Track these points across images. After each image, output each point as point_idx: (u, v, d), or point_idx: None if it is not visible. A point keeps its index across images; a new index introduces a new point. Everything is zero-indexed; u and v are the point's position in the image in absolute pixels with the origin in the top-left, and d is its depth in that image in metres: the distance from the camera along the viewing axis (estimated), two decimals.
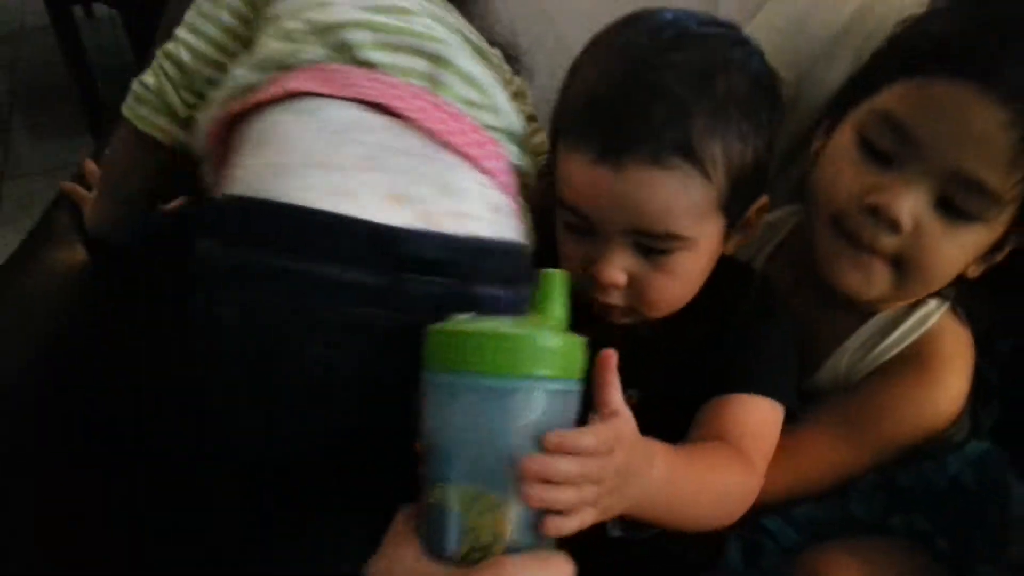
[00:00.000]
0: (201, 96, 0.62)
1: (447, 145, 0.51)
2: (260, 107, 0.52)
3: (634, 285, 0.54)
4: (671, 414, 0.56)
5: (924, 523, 0.58)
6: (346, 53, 0.53)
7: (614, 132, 0.49)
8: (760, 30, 0.66)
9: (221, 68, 0.61)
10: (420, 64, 0.53)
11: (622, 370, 0.47)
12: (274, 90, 0.51)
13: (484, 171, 0.52)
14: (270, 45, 0.55)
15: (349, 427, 0.49)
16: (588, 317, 0.53)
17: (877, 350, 0.60)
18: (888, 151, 0.52)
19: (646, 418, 0.47)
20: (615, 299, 0.55)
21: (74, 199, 0.76)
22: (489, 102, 0.55)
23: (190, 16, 0.63)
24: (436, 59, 0.53)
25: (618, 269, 0.53)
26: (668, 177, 0.50)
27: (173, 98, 0.62)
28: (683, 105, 0.49)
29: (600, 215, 0.52)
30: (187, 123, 0.63)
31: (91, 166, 0.77)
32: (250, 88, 0.54)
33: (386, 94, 0.51)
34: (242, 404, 0.49)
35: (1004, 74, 0.48)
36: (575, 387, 0.45)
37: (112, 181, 0.69)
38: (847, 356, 0.62)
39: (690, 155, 0.49)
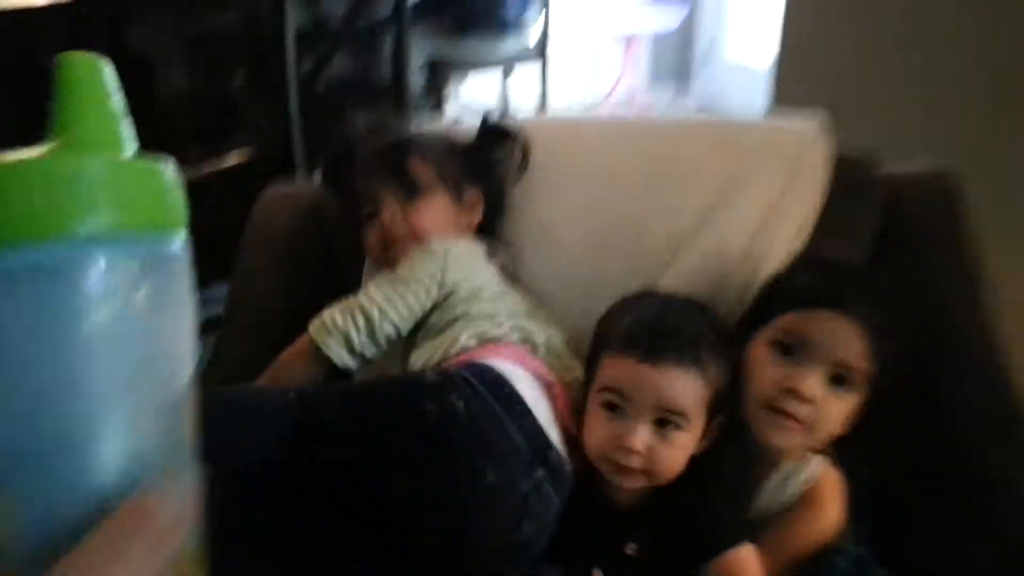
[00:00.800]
0: (381, 343, 0.82)
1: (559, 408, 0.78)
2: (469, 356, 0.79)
3: (649, 454, 0.79)
4: (665, 556, 0.80)
5: None
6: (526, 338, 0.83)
7: (654, 345, 0.76)
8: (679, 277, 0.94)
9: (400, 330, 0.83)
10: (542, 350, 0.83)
11: (625, 525, 0.70)
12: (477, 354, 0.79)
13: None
14: (475, 327, 0.82)
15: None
16: (598, 499, 0.78)
17: (786, 492, 0.84)
18: (794, 350, 0.79)
19: (643, 566, 0.71)
20: (635, 463, 0.77)
21: None
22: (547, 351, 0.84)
23: (389, 287, 0.83)
24: (548, 345, 0.83)
25: (643, 438, 0.78)
26: (685, 373, 0.76)
27: (354, 340, 0.81)
28: (693, 336, 0.76)
29: (638, 395, 0.77)
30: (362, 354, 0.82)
31: None
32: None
33: (542, 372, 0.79)
34: None
35: (850, 305, 0.76)
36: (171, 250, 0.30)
37: (281, 375, 0.84)
38: (768, 493, 0.86)
39: (698, 364, 0.76)
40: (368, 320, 0.81)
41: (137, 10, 1.50)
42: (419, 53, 2.23)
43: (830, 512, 0.80)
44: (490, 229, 0.96)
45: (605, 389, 0.76)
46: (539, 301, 0.92)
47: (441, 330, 0.84)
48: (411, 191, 0.90)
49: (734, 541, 0.75)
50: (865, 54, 1.57)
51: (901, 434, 0.84)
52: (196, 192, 0.32)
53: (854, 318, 0.76)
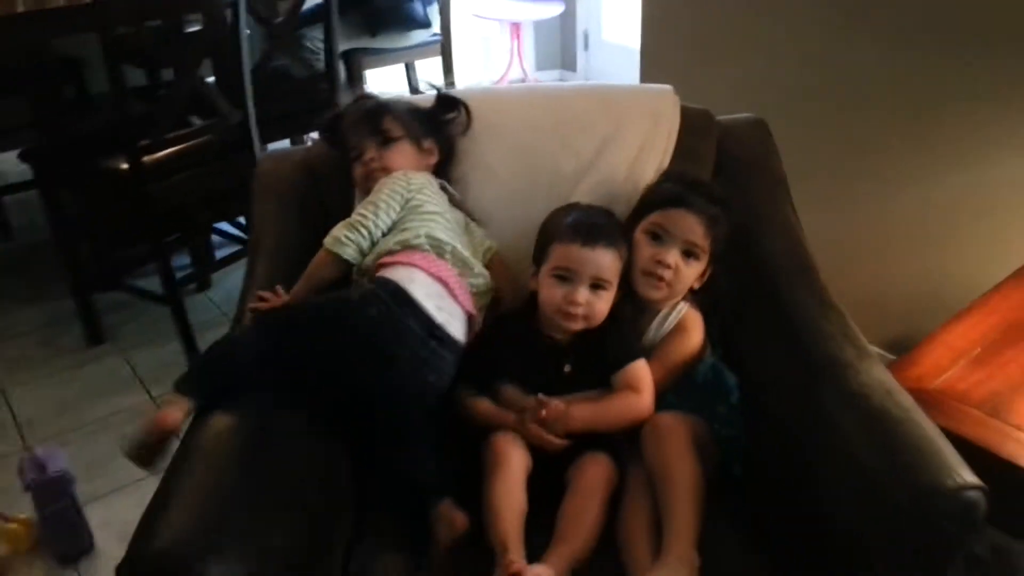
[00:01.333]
0: (375, 242, 1.17)
1: (453, 293, 1.12)
2: (407, 257, 1.13)
3: (589, 306, 1.13)
4: (590, 374, 1.16)
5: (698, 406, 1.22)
6: (446, 252, 1.15)
7: (589, 234, 1.11)
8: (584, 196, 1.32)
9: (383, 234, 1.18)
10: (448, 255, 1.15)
11: (562, 354, 1.10)
12: (411, 256, 1.13)
13: (459, 301, 1.13)
14: (406, 235, 1.15)
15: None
16: (541, 339, 1.16)
17: (665, 326, 1.24)
18: (659, 236, 1.20)
19: (576, 377, 1.12)
20: (579, 312, 1.11)
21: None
22: (469, 269, 1.17)
23: (377, 199, 1.18)
24: (453, 252, 1.16)
25: (584, 296, 1.12)
26: (608, 252, 1.11)
27: (362, 244, 1.15)
28: (612, 229, 1.14)
29: (580, 268, 1.10)
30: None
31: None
32: (391, 252, 1.14)
33: (448, 275, 1.13)
34: None
35: (692, 204, 1.18)
36: None
37: (313, 281, 1.16)
38: (651, 331, 1.26)
39: (615, 246, 1.13)
40: (366, 228, 1.17)
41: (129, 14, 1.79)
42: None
43: (694, 336, 1.21)
44: (443, 171, 1.32)
45: (557, 267, 1.14)
46: (477, 222, 1.28)
47: (385, 235, 1.19)
48: (385, 141, 1.26)
49: (632, 358, 1.16)
50: (705, 35, 2.00)
51: (735, 281, 1.25)
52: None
53: (696, 212, 1.17)
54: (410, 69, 3.13)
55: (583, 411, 1.10)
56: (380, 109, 1.29)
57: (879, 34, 1.62)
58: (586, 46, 3.89)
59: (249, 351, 1.08)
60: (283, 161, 1.40)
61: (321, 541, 1.01)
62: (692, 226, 1.16)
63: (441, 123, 1.32)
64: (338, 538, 1.05)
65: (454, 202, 1.28)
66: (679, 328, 1.21)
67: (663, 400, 1.16)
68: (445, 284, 1.13)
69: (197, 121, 2.09)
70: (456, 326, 1.12)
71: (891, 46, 1.61)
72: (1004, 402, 1.07)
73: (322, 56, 2.41)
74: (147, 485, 0.83)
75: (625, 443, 1.13)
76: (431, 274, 1.12)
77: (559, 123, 1.33)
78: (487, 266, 1.23)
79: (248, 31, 2.04)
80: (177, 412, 1.02)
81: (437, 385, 1.10)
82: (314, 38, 2.47)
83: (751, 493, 1.10)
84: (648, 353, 1.19)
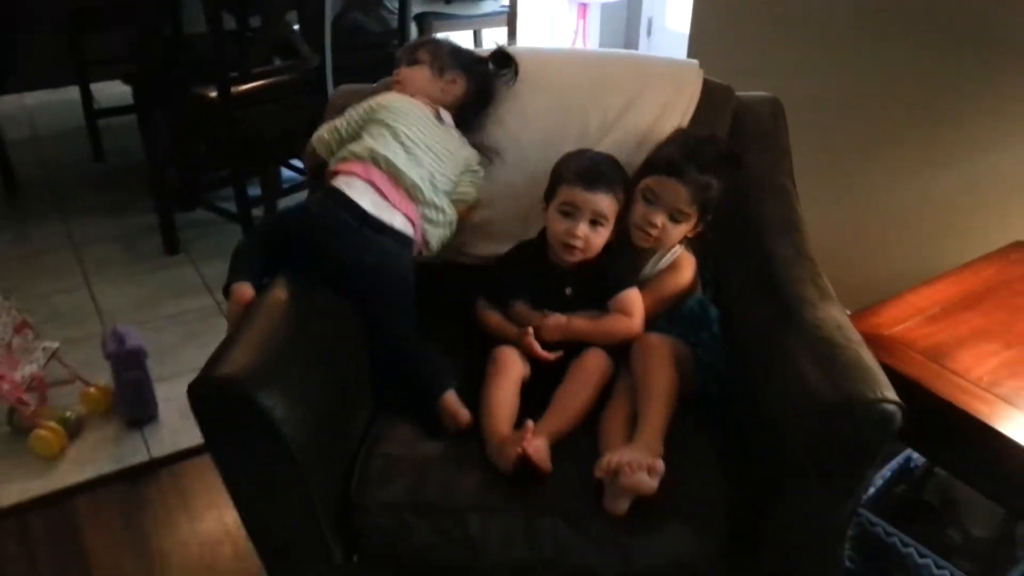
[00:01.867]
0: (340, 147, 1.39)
1: (384, 195, 1.32)
2: (349, 167, 1.33)
3: (587, 239, 1.33)
4: (589, 297, 1.36)
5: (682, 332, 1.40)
6: (380, 162, 1.34)
7: (592, 180, 1.30)
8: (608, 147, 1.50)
9: (346, 142, 1.39)
10: (400, 174, 1.34)
11: (565, 279, 1.29)
12: (352, 166, 1.33)
13: (391, 202, 1.33)
14: (357, 147, 1.35)
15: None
16: (549, 265, 1.34)
17: (660, 264, 1.42)
18: (650, 199, 1.37)
19: (576, 299, 1.30)
20: (579, 244, 1.29)
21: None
22: (422, 197, 1.35)
23: (348, 114, 1.41)
24: (387, 163, 1.34)
25: (584, 230, 1.29)
26: (607, 196, 1.29)
27: (333, 146, 1.39)
28: (612, 175, 1.32)
29: (582, 207, 1.28)
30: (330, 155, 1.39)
31: None
32: (346, 159, 1.35)
33: (382, 183, 1.32)
34: None
35: (683, 173, 1.31)
36: None
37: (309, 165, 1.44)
38: (648, 267, 1.44)
39: (614, 191, 1.31)
40: (336, 130, 1.42)
41: None
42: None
43: (686, 273, 1.39)
44: (478, 111, 1.49)
45: (562, 203, 1.34)
46: (479, 167, 1.47)
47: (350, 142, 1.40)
48: (410, 62, 1.48)
49: (626, 286, 1.34)
50: (744, 24, 2.16)
51: (728, 237, 1.43)
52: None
53: (686, 183, 1.32)
54: (477, 36, 3.33)
55: (580, 324, 1.29)
56: (425, 41, 1.52)
57: (898, 37, 1.77)
58: (649, 32, 4.04)
59: (255, 249, 1.31)
60: (354, 94, 1.61)
61: (347, 402, 1.23)
62: (680, 194, 1.32)
63: (479, 68, 1.50)
64: (362, 404, 1.27)
65: (446, 134, 1.45)
66: (672, 266, 1.39)
67: (653, 325, 1.34)
68: (377, 188, 1.33)
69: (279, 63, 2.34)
70: (397, 220, 1.33)
71: (910, 47, 1.75)
72: (947, 352, 1.22)
73: (396, 15, 2.63)
74: None
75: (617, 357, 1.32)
76: (364, 179, 1.33)
77: (593, 82, 1.52)
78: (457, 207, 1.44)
79: None
80: (246, 289, 1.24)
81: (385, 265, 1.31)
82: None
83: (724, 410, 1.28)
84: (644, 285, 1.37)
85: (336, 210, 1.30)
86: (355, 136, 1.40)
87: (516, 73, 1.52)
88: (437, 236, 1.40)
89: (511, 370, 1.27)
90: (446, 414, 1.22)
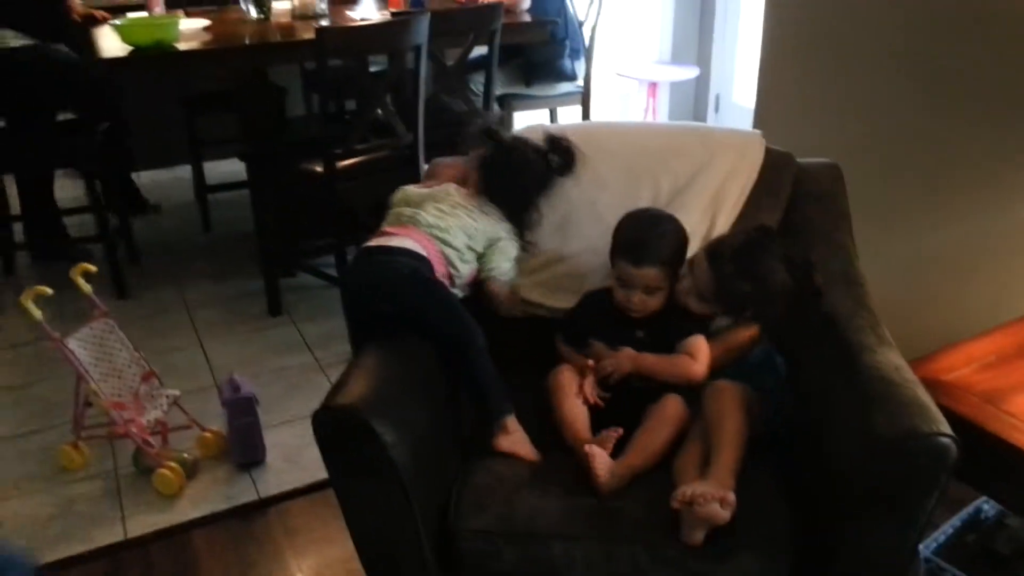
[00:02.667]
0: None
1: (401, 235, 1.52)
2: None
3: (642, 304, 1.44)
4: (660, 341, 1.46)
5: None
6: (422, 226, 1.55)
7: (638, 256, 1.43)
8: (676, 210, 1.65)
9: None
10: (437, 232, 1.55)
11: (639, 323, 1.44)
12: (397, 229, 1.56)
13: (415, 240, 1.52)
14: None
15: None
16: (620, 312, 1.47)
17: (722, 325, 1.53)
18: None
19: (648, 342, 1.44)
20: (636, 311, 1.43)
21: None
22: (455, 260, 1.55)
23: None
24: (445, 241, 1.55)
25: (639, 299, 1.42)
26: (652, 268, 1.41)
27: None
28: (657, 246, 1.43)
29: (633, 281, 1.41)
30: None
31: None
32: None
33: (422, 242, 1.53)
34: None
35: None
36: None
37: None
38: (718, 320, 1.54)
39: (660, 261, 1.42)
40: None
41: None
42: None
43: (751, 327, 1.50)
44: (516, 212, 1.64)
45: (618, 276, 1.46)
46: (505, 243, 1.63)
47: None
48: (453, 153, 1.69)
49: (693, 333, 1.46)
50: (807, 97, 2.30)
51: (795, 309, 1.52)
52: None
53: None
54: (553, 115, 3.56)
55: (649, 359, 1.42)
56: (474, 133, 1.71)
57: (951, 99, 1.88)
58: (716, 108, 4.21)
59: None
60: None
61: (445, 434, 1.37)
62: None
63: (496, 169, 1.65)
64: (458, 438, 1.41)
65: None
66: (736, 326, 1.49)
67: (723, 373, 1.45)
68: (426, 249, 1.53)
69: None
70: (407, 243, 1.52)
71: (961, 108, 1.86)
72: (1002, 396, 1.29)
73: (481, 97, 2.87)
74: (306, 422, 1.21)
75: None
76: (418, 240, 1.54)
77: (663, 149, 1.67)
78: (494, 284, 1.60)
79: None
80: None
81: (417, 270, 1.49)
82: (477, 81, 2.94)
83: (790, 450, 1.36)
84: (712, 336, 1.49)
85: (358, 260, 1.56)
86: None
87: (567, 168, 1.66)
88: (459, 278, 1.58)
89: (570, 386, 1.41)
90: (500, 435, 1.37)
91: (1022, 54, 1.69)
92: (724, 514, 1.16)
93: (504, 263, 1.62)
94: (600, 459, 1.26)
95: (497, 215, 1.63)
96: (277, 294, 2.79)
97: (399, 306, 1.46)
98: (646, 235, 1.45)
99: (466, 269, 1.59)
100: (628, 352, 1.42)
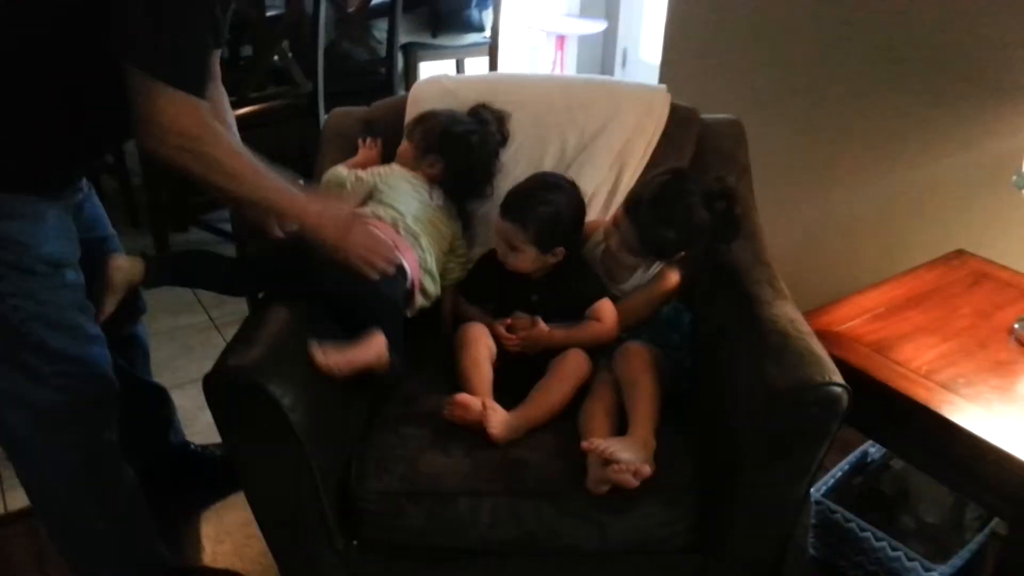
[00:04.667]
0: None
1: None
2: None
3: (506, 259, 1.41)
4: (553, 305, 1.46)
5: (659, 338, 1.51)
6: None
7: (507, 207, 1.39)
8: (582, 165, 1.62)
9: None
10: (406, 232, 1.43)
11: (532, 288, 1.42)
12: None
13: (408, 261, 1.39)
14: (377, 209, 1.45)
15: None
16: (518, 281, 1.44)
17: (648, 275, 1.52)
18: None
19: (541, 305, 1.42)
20: (504, 260, 1.41)
21: None
22: (424, 256, 1.44)
23: (359, 177, 1.49)
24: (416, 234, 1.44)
25: (502, 252, 1.41)
26: (513, 225, 1.38)
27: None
28: (527, 207, 1.39)
29: (498, 234, 1.40)
30: None
31: None
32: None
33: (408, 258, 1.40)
34: None
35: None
36: None
37: None
38: (636, 278, 1.52)
39: (522, 220, 1.37)
40: (349, 183, 1.51)
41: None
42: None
43: (670, 280, 1.46)
44: (463, 188, 1.56)
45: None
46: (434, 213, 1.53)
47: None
48: (407, 136, 1.57)
49: (599, 297, 1.46)
50: (713, 52, 2.31)
51: (706, 248, 1.52)
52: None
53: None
54: (460, 65, 3.48)
55: (559, 335, 1.41)
56: (423, 117, 1.59)
57: (850, 62, 1.92)
58: (624, 63, 4.21)
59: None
60: (347, 116, 1.73)
61: (345, 399, 1.33)
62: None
63: (461, 155, 1.54)
64: (358, 403, 1.37)
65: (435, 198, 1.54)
66: (658, 276, 1.50)
67: (633, 334, 1.45)
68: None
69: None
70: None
71: (861, 71, 1.91)
72: (890, 345, 1.35)
73: (384, 45, 2.76)
74: (197, 386, 1.16)
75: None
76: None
77: (570, 103, 1.65)
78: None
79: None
80: None
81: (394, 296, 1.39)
82: (380, 29, 2.83)
83: (692, 403, 1.39)
84: (633, 292, 1.49)
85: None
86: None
87: (505, 140, 1.60)
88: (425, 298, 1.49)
89: (481, 344, 1.38)
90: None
91: (922, 16, 1.73)
92: (634, 483, 1.16)
93: (459, 271, 1.56)
94: (494, 414, 1.25)
95: (450, 213, 1.56)
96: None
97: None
98: (527, 194, 1.43)
99: (434, 291, 1.49)
100: (541, 329, 1.39)
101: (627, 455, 1.16)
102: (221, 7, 1.22)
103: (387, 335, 1.29)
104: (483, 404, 1.26)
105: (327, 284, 1.33)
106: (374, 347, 1.26)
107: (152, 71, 1.06)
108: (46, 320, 1.21)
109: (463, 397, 1.27)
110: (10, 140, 1.14)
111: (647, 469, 1.17)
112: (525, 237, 1.40)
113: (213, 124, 1.13)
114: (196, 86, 1.11)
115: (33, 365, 1.21)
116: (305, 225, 1.28)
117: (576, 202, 1.45)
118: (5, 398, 1.24)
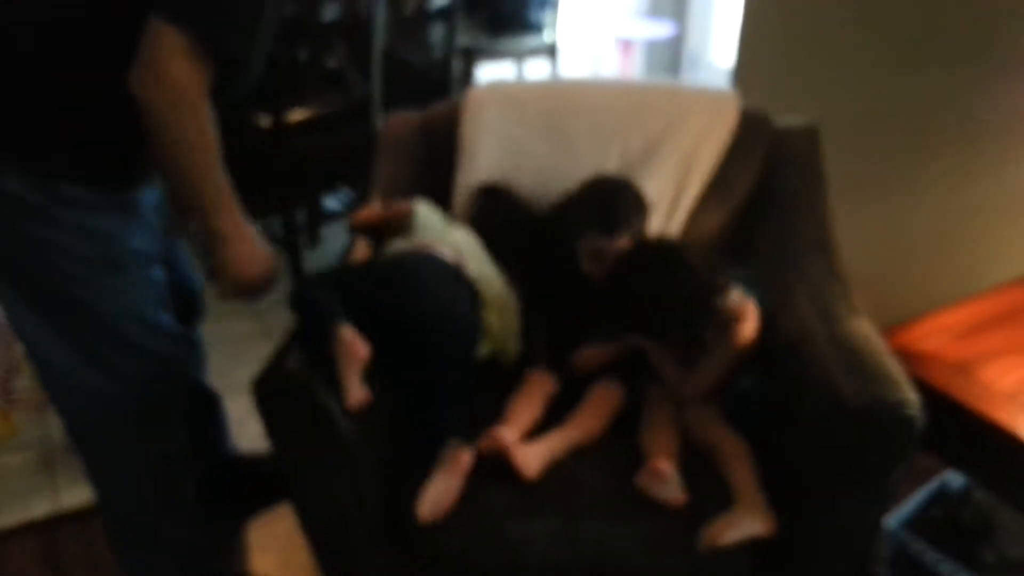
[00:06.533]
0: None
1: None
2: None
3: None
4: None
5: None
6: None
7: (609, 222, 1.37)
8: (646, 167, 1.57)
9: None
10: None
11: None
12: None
13: None
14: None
15: None
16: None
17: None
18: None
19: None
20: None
21: None
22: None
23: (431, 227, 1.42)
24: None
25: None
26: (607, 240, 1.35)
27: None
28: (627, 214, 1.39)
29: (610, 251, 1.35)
30: None
31: None
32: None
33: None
34: None
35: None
36: None
37: None
38: None
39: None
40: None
41: None
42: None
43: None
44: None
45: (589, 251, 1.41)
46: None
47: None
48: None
49: None
50: (789, 57, 2.22)
51: (767, 258, 1.46)
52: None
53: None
54: (520, 68, 3.45)
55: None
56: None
57: (935, 62, 1.82)
58: (693, 67, 4.12)
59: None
60: (404, 120, 1.70)
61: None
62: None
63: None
64: None
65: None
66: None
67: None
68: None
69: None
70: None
71: (946, 72, 1.80)
72: (973, 365, 1.26)
73: (440, 48, 2.74)
74: (245, 393, 1.13)
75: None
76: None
77: (631, 107, 1.59)
78: None
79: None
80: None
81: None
82: (438, 32, 2.81)
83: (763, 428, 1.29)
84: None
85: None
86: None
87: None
88: None
89: (531, 395, 1.33)
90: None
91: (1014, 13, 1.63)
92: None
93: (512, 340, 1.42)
94: (521, 456, 1.20)
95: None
96: None
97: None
98: (612, 208, 1.40)
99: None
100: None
101: (746, 530, 1.12)
102: None
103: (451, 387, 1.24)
104: (510, 449, 1.19)
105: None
106: (461, 465, 1.18)
107: (189, 29, 1.00)
108: (130, 315, 1.19)
109: (498, 435, 1.20)
110: (98, 132, 1.11)
111: (768, 528, 1.13)
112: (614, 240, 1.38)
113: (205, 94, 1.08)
114: (227, 51, 1.06)
115: (110, 359, 1.20)
116: (227, 235, 1.18)
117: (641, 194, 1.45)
118: (79, 392, 1.23)
